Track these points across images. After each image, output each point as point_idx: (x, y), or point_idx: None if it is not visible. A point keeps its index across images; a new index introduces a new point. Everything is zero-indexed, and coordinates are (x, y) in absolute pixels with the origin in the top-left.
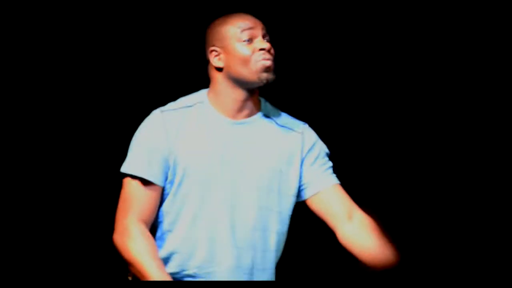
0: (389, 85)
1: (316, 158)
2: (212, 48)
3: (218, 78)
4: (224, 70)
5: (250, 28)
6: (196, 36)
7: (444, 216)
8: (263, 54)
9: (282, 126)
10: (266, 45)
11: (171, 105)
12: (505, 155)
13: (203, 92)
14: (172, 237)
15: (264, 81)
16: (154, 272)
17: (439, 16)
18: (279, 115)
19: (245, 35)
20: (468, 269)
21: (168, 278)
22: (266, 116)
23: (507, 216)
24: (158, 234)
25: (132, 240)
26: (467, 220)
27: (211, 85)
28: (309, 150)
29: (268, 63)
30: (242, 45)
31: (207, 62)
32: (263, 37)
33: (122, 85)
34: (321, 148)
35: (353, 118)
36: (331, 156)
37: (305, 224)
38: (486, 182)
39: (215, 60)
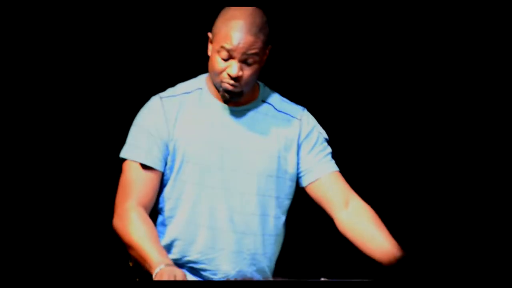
0: (391, 75)
1: (314, 144)
2: (209, 33)
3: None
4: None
5: (229, 50)
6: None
7: (442, 208)
8: (229, 79)
9: (281, 112)
10: (235, 72)
11: (170, 91)
12: (505, 154)
13: (202, 78)
14: (173, 223)
15: (223, 99)
16: (156, 256)
17: (440, 15)
18: (277, 100)
19: (224, 52)
20: (466, 264)
21: (169, 261)
22: (265, 101)
23: (504, 210)
24: (160, 220)
25: (132, 224)
26: (465, 213)
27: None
28: (307, 136)
29: (229, 87)
30: (218, 58)
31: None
32: (240, 60)
33: (120, 72)
34: (319, 134)
35: (353, 105)
36: (330, 142)
37: (307, 213)
38: (484, 176)
39: (209, 47)
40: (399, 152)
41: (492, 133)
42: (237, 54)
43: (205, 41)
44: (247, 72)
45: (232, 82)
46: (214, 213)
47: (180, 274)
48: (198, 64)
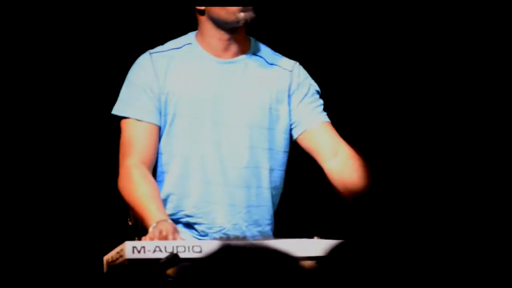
0: (390, 73)
1: (305, 95)
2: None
3: (201, 20)
4: (205, 12)
5: None
6: None
7: (441, 205)
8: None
9: (272, 64)
10: None
11: (159, 48)
12: (505, 153)
13: (191, 34)
14: (167, 178)
15: (242, 21)
16: (153, 213)
17: (441, 14)
18: (269, 53)
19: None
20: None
21: (165, 217)
22: (255, 54)
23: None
24: (155, 176)
25: (133, 183)
26: (464, 211)
27: (198, 27)
28: (298, 87)
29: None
30: None
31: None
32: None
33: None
34: (310, 85)
35: (352, 103)
36: (322, 95)
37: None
38: (484, 175)
39: (200, 16)
40: (398, 150)
41: (492, 133)
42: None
43: None
44: None
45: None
46: (206, 167)
47: (168, 229)
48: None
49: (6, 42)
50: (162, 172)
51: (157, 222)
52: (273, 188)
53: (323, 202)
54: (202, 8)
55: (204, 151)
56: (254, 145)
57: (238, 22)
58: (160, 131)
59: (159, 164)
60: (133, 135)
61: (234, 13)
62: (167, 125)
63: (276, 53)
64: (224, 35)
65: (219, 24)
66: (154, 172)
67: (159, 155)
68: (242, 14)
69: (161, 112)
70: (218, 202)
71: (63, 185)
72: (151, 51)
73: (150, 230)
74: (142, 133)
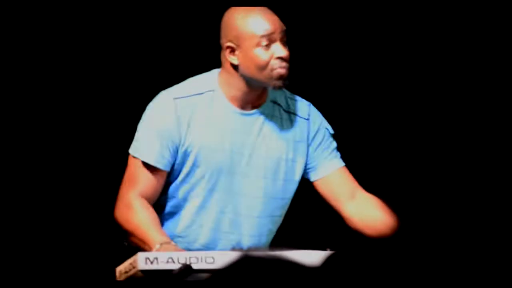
0: (394, 73)
1: (321, 141)
2: (228, 44)
3: (230, 71)
4: (239, 68)
5: (270, 34)
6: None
7: (446, 206)
8: (280, 62)
9: (289, 112)
10: (285, 53)
11: (181, 90)
12: (505, 153)
13: (213, 77)
14: (175, 221)
15: (277, 88)
16: (155, 236)
17: (442, 14)
18: (285, 98)
19: (265, 40)
20: (468, 262)
21: (167, 239)
22: (273, 101)
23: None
24: (161, 214)
25: (133, 211)
26: (466, 211)
27: (223, 72)
28: (315, 135)
29: (284, 71)
30: (260, 50)
31: (218, 44)
32: (281, 40)
33: (122, 67)
34: (326, 130)
35: (356, 102)
36: (338, 131)
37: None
38: (485, 175)
39: (230, 57)
40: (402, 149)
41: (492, 133)
42: (277, 35)
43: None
44: (288, 50)
45: (284, 64)
46: (220, 216)
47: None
48: (201, 59)
49: (18, 50)
50: (171, 213)
51: (161, 244)
52: (275, 232)
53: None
54: (236, 63)
55: (219, 202)
56: (269, 196)
57: (272, 87)
58: (167, 176)
59: (168, 205)
60: (140, 174)
61: (271, 79)
62: (183, 173)
63: (291, 95)
64: (252, 90)
65: (253, 82)
66: (159, 210)
67: (170, 197)
68: (278, 82)
69: (177, 161)
70: (224, 249)
71: (69, 191)
72: (174, 95)
73: (155, 250)
74: (150, 175)
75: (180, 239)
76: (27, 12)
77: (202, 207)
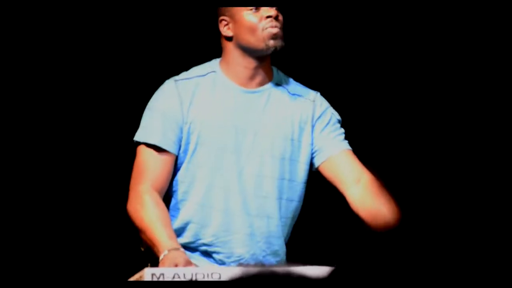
0: (396, 73)
1: (327, 124)
2: (222, 17)
3: (228, 47)
4: (233, 39)
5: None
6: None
7: (445, 205)
8: (270, 21)
9: (294, 94)
10: (273, 12)
11: (184, 75)
12: (505, 153)
13: (215, 62)
14: (186, 207)
15: (272, 48)
16: (164, 240)
17: (442, 14)
18: (291, 83)
19: (254, 8)
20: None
21: (176, 245)
22: (278, 84)
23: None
24: (173, 203)
25: (144, 207)
26: (465, 211)
27: (223, 54)
28: (320, 117)
29: (275, 30)
30: (249, 13)
31: (219, 32)
32: (271, 5)
33: (133, 56)
34: (332, 114)
35: (364, 89)
36: (344, 124)
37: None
38: (485, 174)
39: (224, 30)
40: (403, 149)
41: (492, 133)
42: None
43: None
44: (279, 14)
45: (274, 23)
46: (228, 196)
47: (181, 261)
48: (211, 51)
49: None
50: (182, 200)
51: (169, 250)
52: (291, 218)
53: (342, 230)
54: (230, 34)
55: (226, 181)
56: (276, 175)
57: (267, 49)
58: (176, 160)
59: (178, 192)
60: (148, 161)
61: (264, 40)
62: (189, 154)
63: (298, 83)
64: (251, 63)
65: (248, 51)
66: (169, 200)
67: (179, 184)
68: (271, 42)
69: (182, 141)
70: (237, 232)
71: (77, 198)
72: (176, 78)
73: (161, 257)
74: (158, 160)
75: (193, 225)
76: (27, 12)
77: (210, 187)
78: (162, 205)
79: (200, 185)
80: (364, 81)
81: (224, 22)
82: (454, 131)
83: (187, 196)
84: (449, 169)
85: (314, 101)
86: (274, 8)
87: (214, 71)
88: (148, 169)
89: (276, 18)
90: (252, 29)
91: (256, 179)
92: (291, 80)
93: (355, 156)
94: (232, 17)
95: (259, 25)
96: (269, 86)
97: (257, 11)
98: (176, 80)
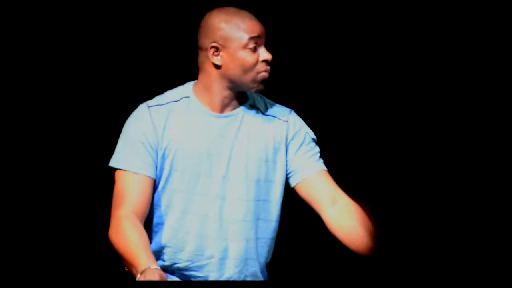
0: (384, 77)
1: (301, 144)
2: (213, 44)
3: (211, 74)
4: (221, 69)
5: (258, 37)
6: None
7: (437, 208)
8: (265, 65)
9: (267, 115)
10: (269, 56)
11: (157, 100)
12: (505, 154)
13: (189, 86)
14: (162, 230)
15: (258, 92)
16: (142, 262)
17: (440, 15)
18: (264, 104)
19: (252, 43)
20: (463, 265)
21: (155, 265)
22: (252, 106)
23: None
24: (149, 226)
25: (122, 232)
26: (461, 215)
27: (202, 77)
28: (294, 137)
29: (267, 75)
30: (247, 53)
31: (195, 47)
32: (264, 45)
33: (111, 80)
34: (306, 134)
35: (341, 106)
36: (318, 142)
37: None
38: (482, 178)
39: (214, 58)
40: (389, 152)
41: (492, 133)
42: (263, 39)
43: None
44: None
45: (268, 68)
46: (203, 221)
47: (157, 277)
48: (185, 71)
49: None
50: (158, 224)
51: (145, 269)
52: (269, 239)
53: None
54: (219, 63)
55: (201, 206)
56: (252, 198)
57: (255, 91)
58: (154, 183)
59: (154, 216)
60: (127, 187)
61: (255, 82)
62: (163, 179)
63: (271, 102)
64: (231, 94)
65: (233, 84)
66: (147, 223)
67: (155, 207)
68: (261, 86)
69: (157, 166)
70: (212, 256)
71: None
72: (149, 103)
73: (138, 276)
74: (137, 185)
75: (168, 249)
76: (27, 12)
77: (185, 212)
78: (141, 228)
79: (175, 210)
80: (343, 94)
81: (214, 50)
82: (445, 137)
83: (163, 220)
84: (442, 173)
85: (287, 121)
86: (269, 54)
87: (187, 96)
88: (127, 195)
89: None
90: (247, 70)
91: (232, 203)
92: (264, 99)
93: (330, 177)
94: (225, 47)
95: (255, 67)
96: (242, 109)
97: (255, 51)
98: (149, 106)
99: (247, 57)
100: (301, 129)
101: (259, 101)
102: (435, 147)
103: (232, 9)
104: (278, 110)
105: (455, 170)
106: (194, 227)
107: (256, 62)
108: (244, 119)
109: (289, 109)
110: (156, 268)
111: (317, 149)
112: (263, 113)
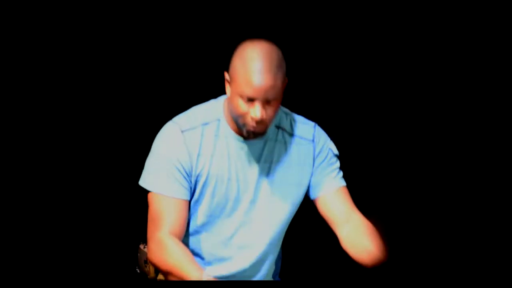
0: (394, 83)
1: (323, 160)
2: (226, 75)
3: (227, 96)
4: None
5: (253, 97)
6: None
7: (445, 217)
8: (253, 122)
9: (294, 136)
10: (258, 117)
11: (187, 122)
12: (505, 155)
13: (219, 105)
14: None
15: (247, 136)
16: (193, 273)
17: (440, 15)
18: (290, 122)
19: (246, 98)
20: (467, 270)
21: (210, 275)
22: (278, 126)
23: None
24: None
25: (166, 250)
26: (467, 222)
27: (227, 101)
28: (319, 154)
29: (254, 130)
30: (241, 101)
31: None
32: (264, 103)
33: (112, 80)
34: (329, 150)
35: (360, 116)
36: (340, 155)
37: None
38: (485, 182)
39: (227, 85)
40: (405, 167)
41: (492, 133)
42: (259, 97)
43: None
44: (269, 111)
45: (254, 125)
46: (229, 245)
47: None
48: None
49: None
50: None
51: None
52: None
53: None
54: (228, 93)
55: (227, 229)
56: (278, 221)
57: (244, 135)
58: (189, 205)
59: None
60: (164, 210)
61: (242, 128)
62: (192, 203)
63: (295, 117)
64: None
65: None
66: None
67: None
68: (250, 134)
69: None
70: (234, 276)
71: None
72: (182, 127)
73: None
74: (173, 208)
75: None
76: (27, 12)
77: (210, 234)
78: (182, 244)
79: (202, 232)
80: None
81: (226, 80)
82: (442, 139)
83: (188, 241)
84: (450, 183)
85: (313, 140)
86: (261, 108)
87: (217, 120)
88: (164, 217)
89: (261, 121)
90: (237, 115)
91: (259, 229)
92: (288, 116)
93: (347, 194)
94: (231, 84)
95: (245, 117)
96: (269, 131)
97: (249, 103)
98: (182, 131)
99: (240, 106)
100: (325, 145)
101: (284, 119)
102: (441, 155)
103: (252, 53)
104: (303, 128)
105: (461, 177)
106: (220, 251)
107: (246, 114)
108: (271, 142)
109: (313, 124)
110: (208, 277)
111: (338, 164)
112: (289, 134)
